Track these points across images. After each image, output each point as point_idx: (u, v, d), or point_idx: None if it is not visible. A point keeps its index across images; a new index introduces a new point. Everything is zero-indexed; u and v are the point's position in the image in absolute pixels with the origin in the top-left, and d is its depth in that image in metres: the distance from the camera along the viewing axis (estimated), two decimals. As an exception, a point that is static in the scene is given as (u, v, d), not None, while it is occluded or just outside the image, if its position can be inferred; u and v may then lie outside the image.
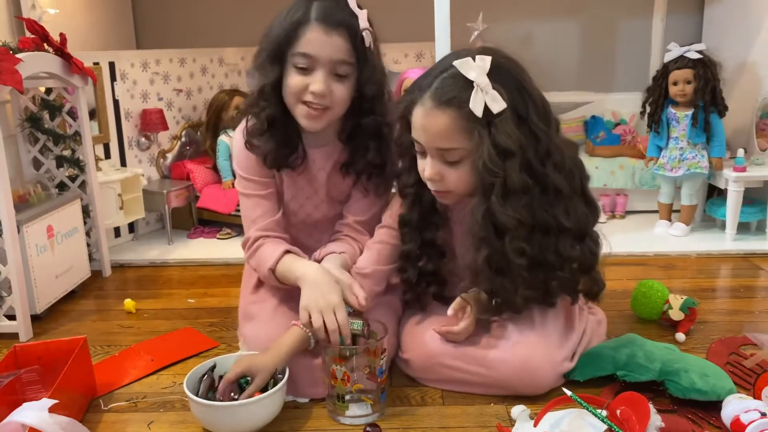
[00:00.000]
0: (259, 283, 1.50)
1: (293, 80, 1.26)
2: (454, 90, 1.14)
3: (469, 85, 1.12)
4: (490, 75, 1.12)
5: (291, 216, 1.48)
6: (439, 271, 1.38)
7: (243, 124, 1.39)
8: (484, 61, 1.13)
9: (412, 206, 1.34)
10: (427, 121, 1.16)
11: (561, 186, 1.19)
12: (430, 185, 1.24)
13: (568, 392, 1.15)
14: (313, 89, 1.24)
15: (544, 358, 1.27)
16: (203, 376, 1.26)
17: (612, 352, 1.35)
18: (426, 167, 1.21)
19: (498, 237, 1.18)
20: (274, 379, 1.25)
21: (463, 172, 1.19)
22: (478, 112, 1.12)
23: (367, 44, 1.25)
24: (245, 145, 1.38)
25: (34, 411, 1.07)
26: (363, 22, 1.24)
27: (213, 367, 1.29)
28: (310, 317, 1.24)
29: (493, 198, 1.16)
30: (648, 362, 1.30)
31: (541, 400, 1.28)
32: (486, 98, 1.12)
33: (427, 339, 1.36)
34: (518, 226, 1.16)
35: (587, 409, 1.08)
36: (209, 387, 1.25)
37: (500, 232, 1.18)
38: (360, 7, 1.28)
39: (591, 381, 1.33)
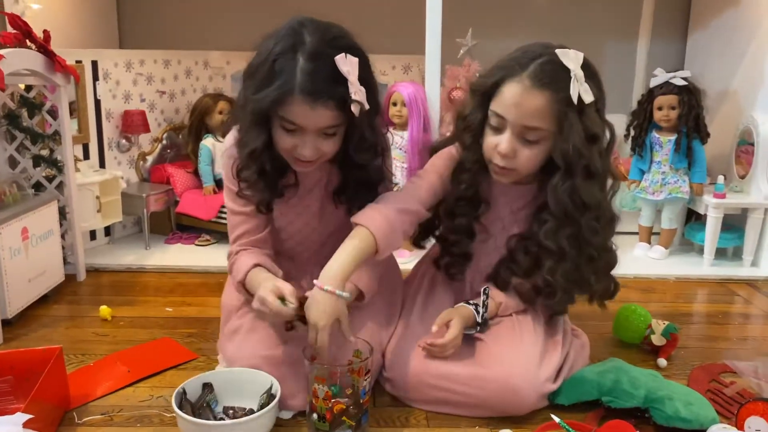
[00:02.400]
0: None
1: (282, 140, 1.23)
2: (553, 75, 1.21)
3: (565, 73, 1.20)
4: (582, 68, 1.22)
5: (283, 233, 1.45)
6: (468, 248, 1.46)
7: (233, 135, 1.36)
8: (578, 56, 1.23)
9: (470, 184, 1.38)
10: (523, 98, 1.22)
11: (615, 175, 1.34)
12: (498, 160, 1.29)
13: (557, 419, 1.15)
14: (302, 153, 1.22)
15: (525, 377, 1.28)
16: (201, 402, 1.24)
17: (597, 377, 1.35)
18: (502, 142, 1.26)
19: (577, 217, 1.28)
20: (268, 395, 1.24)
21: (537, 153, 1.27)
22: (575, 98, 1.20)
23: (358, 112, 1.19)
24: (237, 194, 1.36)
25: (9, 426, 1.03)
26: (352, 87, 1.16)
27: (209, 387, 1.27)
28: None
29: (577, 179, 1.25)
30: (633, 389, 1.30)
31: (528, 424, 1.27)
32: (581, 88, 1.20)
33: (410, 357, 1.35)
34: (597, 206, 1.27)
35: (574, 435, 1.07)
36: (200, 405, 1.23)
37: (581, 211, 1.27)
38: (353, 49, 1.18)
39: (575, 406, 1.33)
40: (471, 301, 1.42)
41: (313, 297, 1.19)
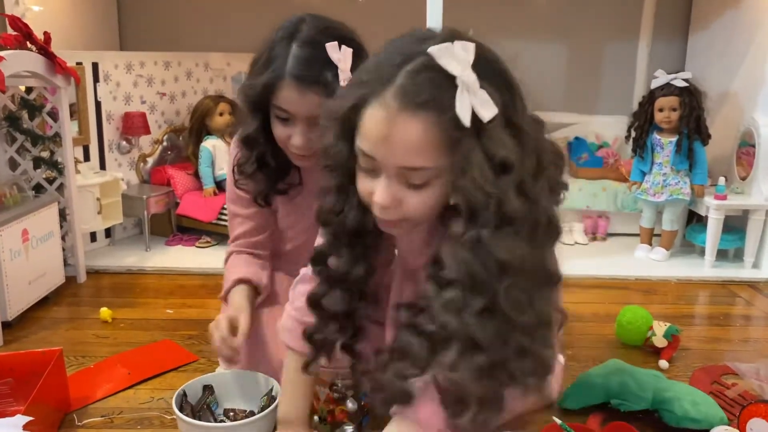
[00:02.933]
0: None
1: (276, 129, 1.23)
2: (430, 88, 0.81)
3: (449, 81, 0.80)
4: (475, 69, 0.80)
5: (288, 233, 1.45)
6: (355, 316, 1.08)
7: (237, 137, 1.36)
8: (468, 50, 0.80)
9: (336, 239, 1.02)
10: (390, 130, 0.82)
11: (556, 217, 0.89)
12: (378, 212, 0.91)
13: (558, 420, 1.15)
14: (293, 143, 1.22)
15: None
16: (202, 405, 1.24)
17: (602, 380, 1.35)
18: (377, 191, 0.87)
19: (487, 286, 0.84)
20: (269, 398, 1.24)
21: (429, 197, 0.87)
22: (466, 119, 0.80)
23: None
24: (235, 183, 1.36)
25: (8, 429, 1.03)
26: (342, 74, 1.14)
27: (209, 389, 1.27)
28: None
29: (484, 229, 0.83)
30: (640, 391, 1.31)
31: (530, 429, 1.27)
32: (474, 101, 0.80)
33: None
34: (520, 266, 0.83)
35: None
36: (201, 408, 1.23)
37: (493, 275, 0.84)
38: (348, 40, 1.16)
39: (580, 409, 1.33)
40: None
41: None
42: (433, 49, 0.80)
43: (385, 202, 0.87)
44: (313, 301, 1.05)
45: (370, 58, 0.93)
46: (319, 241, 1.08)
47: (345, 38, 1.18)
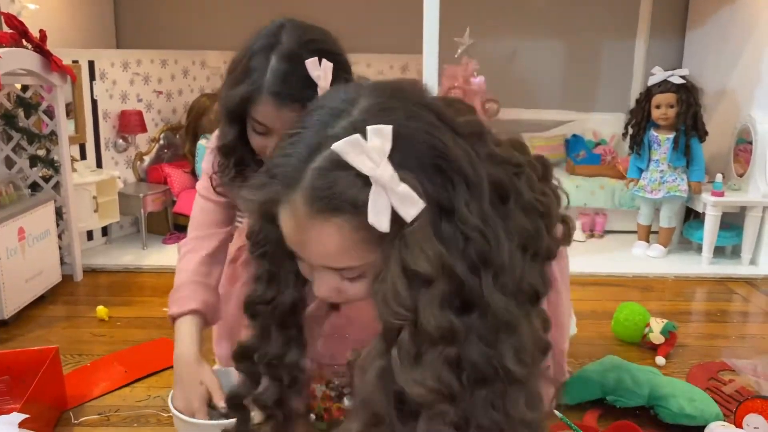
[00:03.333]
0: (231, 293, 1.48)
1: (253, 139, 1.21)
2: (340, 188, 0.68)
3: (364, 178, 0.67)
4: (394, 158, 0.67)
5: None
6: (286, 403, 0.96)
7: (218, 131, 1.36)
8: (383, 137, 0.67)
9: (264, 329, 0.92)
10: (304, 237, 0.72)
11: (506, 309, 0.72)
12: (325, 300, 0.85)
13: (559, 414, 1.15)
14: (269, 154, 1.21)
15: None
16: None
17: (599, 376, 1.35)
18: (315, 286, 0.79)
19: (403, 417, 0.73)
20: None
21: (367, 285, 0.76)
22: (384, 225, 0.67)
23: None
24: (213, 190, 1.32)
25: (4, 426, 1.03)
26: (321, 92, 1.12)
27: None
28: None
29: (394, 353, 0.71)
30: (636, 387, 1.31)
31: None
32: (393, 200, 0.67)
33: None
34: (435, 400, 0.70)
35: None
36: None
37: (408, 408, 0.72)
38: (329, 53, 1.13)
39: (575, 404, 1.33)
40: None
41: None
42: (337, 146, 0.66)
43: (325, 296, 0.79)
44: (236, 401, 0.98)
45: (285, 139, 0.75)
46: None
47: (326, 51, 1.15)
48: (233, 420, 1.16)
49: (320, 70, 1.12)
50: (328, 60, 1.12)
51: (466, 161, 0.72)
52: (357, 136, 0.66)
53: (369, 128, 0.66)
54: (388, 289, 0.69)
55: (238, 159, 1.25)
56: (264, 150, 1.21)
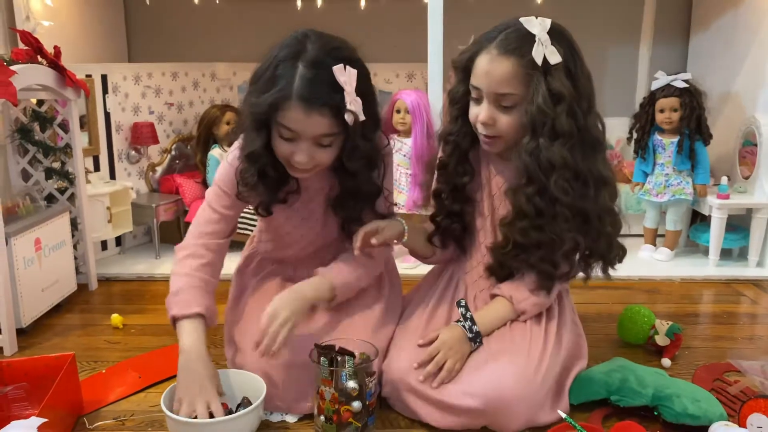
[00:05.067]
0: (240, 301, 1.52)
1: (279, 147, 1.26)
2: (518, 41, 1.25)
3: (531, 39, 1.24)
4: (549, 33, 1.25)
5: (287, 238, 1.48)
6: (464, 215, 1.49)
7: (238, 143, 1.39)
8: (545, 21, 1.27)
9: (452, 152, 1.44)
10: (491, 67, 1.26)
11: (600, 138, 1.30)
12: (481, 129, 1.33)
13: (563, 414, 1.16)
14: (297, 159, 1.24)
15: (518, 391, 1.23)
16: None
17: (604, 376, 1.37)
18: (481, 111, 1.30)
19: (545, 175, 1.26)
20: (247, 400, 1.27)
21: (515, 118, 1.28)
22: (539, 60, 1.23)
23: (352, 121, 1.21)
24: (237, 196, 1.38)
25: (24, 430, 1.06)
26: (348, 96, 1.19)
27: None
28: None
29: (541, 138, 1.25)
30: (640, 387, 1.32)
31: (539, 430, 1.28)
32: (545, 51, 1.23)
33: (397, 356, 1.36)
34: (564, 165, 1.24)
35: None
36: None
37: (546, 172, 1.26)
38: (352, 61, 1.21)
39: (581, 404, 1.35)
40: (458, 319, 1.38)
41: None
42: (522, 19, 1.27)
43: (485, 119, 1.30)
44: (436, 194, 1.50)
45: (484, 33, 1.32)
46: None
47: (349, 59, 1.21)
48: (222, 418, 1.19)
49: (346, 76, 1.18)
50: (352, 67, 1.19)
51: (582, 59, 1.31)
52: (532, 17, 1.27)
53: (538, 18, 1.27)
54: (539, 100, 1.23)
55: (262, 167, 1.30)
56: (290, 156, 1.25)
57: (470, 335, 1.35)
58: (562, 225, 1.28)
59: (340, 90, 1.18)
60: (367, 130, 1.27)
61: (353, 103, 1.19)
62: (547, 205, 1.27)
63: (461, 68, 1.35)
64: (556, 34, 1.26)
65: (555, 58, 1.24)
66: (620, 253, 1.40)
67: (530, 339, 1.34)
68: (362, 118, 1.22)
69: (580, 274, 1.41)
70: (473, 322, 1.36)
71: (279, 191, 1.36)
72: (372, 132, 1.29)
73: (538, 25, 1.26)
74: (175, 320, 1.34)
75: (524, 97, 1.26)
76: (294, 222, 1.44)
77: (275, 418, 1.33)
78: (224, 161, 1.41)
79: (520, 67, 1.24)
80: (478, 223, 1.49)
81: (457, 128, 1.41)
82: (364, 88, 1.23)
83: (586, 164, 1.27)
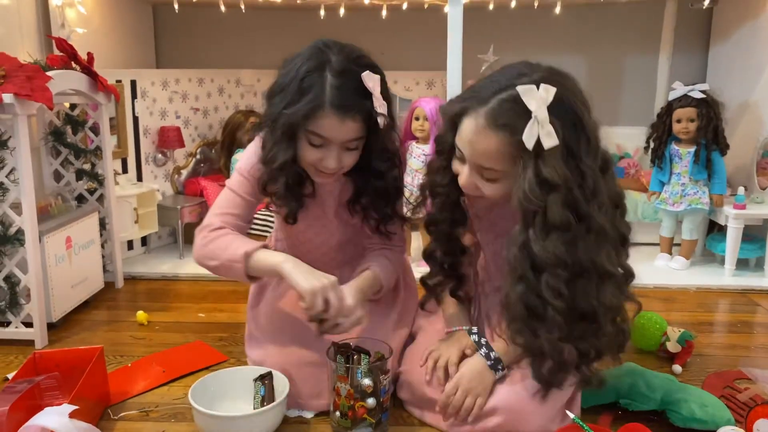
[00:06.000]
0: (260, 299, 1.57)
1: (308, 153, 1.29)
2: (511, 115, 1.09)
3: (526, 113, 1.07)
4: (550, 108, 1.06)
5: (300, 237, 1.52)
6: (458, 267, 1.42)
7: (256, 143, 1.41)
8: (548, 93, 1.07)
9: (443, 206, 1.34)
10: (475, 138, 1.13)
11: (606, 228, 1.12)
12: (464, 190, 1.25)
13: (571, 415, 1.18)
14: (327, 165, 1.29)
15: (536, 402, 1.24)
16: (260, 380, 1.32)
17: (613, 380, 1.38)
18: (462, 175, 1.21)
19: (535, 274, 1.13)
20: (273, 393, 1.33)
21: (498, 188, 1.18)
22: (530, 144, 1.07)
23: (383, 124, 1.27)
24: (268, 208, 1.45)
25: (56, 415, 1.12)
26: (377, 101, 1.25)
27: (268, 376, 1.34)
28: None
29: (531, 231, 1.12)
30: (649, 391, 1.35)
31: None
32: (541, 132, 1.06)
33: (413, 369, 1.39)
34: (557, 264, 1.10)
35: (593, 438, 1.11)
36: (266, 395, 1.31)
37: (538, 268, 1.13)
38: (374, 67, 1.27)
39: (589, 408, 1.37)
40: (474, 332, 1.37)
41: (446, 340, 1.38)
42: (520, 88, 1.07)
43: (465, 185, 1.21)
44: (429, 255, 1.42)
45: (481, 79, 1.18)
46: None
47: (372, 66, 1.27)
48: (246, 413, 1.24)
49: (373, 81, 1.25)
50: (375, 73, 1.26)
51: (591, 130, 1.12)
52: (533, 86, 1.07)
53: (542, 85, 1.06)
54: (526, 187, 1.08)
55: (288, 176, 1.34)
56: (318, 162, 1.30)
57: (490, 363, 1.28)
58: (555, 334, 1.14)
59: (368, 95, 1.25)
60: (390, 131, 1.33)
61: (382, 107, 1.26)
62: (540, 307, 1.14)
63: (448, 119, 1.22)
64: (561, 109, 1.07)
65: (550, 141, 1.06)
66: (623, 342, 1.25)
67: None
68: (388, 119, 1.29)
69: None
70: (489, 348, 1.30)
71: (301, 197, 1.41)
72: (394, 133, 1.36)
73: (537, 100, 1.06)
74: (247, 257, 1.32)
75: (509, 174, 1.13)
76: (307, 221, 1.48)
77: (292, 413, 1.38)
78: (246, 152, 1.44)
79: (509, 145, 1.10)
80: (488, 255, 1.44)
81: (447, 180, 1.29)
82: (385, 91, 1.29)
83: (588, 258, 1.11)
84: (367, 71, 1.24)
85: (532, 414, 1.23)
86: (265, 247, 1.38)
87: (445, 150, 1.26)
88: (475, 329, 1.37)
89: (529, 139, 1.07)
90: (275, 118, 1.27)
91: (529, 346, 1.20)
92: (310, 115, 1.23)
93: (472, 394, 1.26)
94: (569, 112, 1.09)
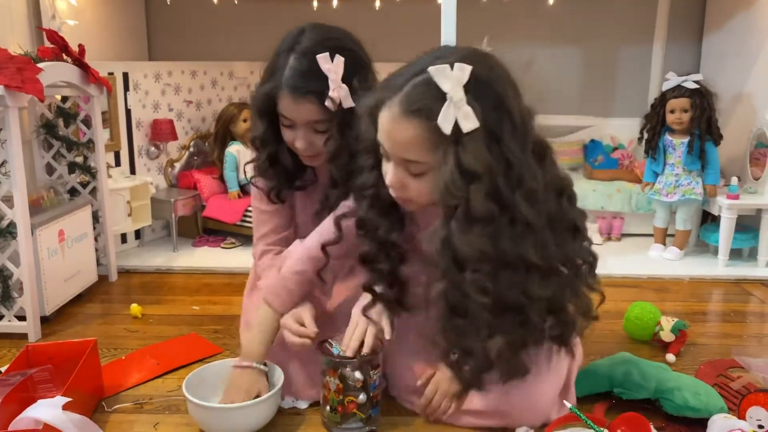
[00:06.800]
0: (256, 287, 1.56)
1: (285, 134, 1.34)
2: (424, 99, 1.00)
3: (441, 96, 0.98)
4: (467, 88, 0.98)
5: (307, 225, 1.50)
6: (397, 273, 1.26)
7: None
8: (463, 72, 0.98)
9: (370, 207, 1.21)
10: (392, 128, 1.04)
11: (531, 218, 1.05)
12: (391, 191, 1.13)
13: (568, 404, 1.18)
14: (297, 146, 1.32)
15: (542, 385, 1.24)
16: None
17: (608, 369, 1.39)
18: (388, 173, 1.10)
19: (458, 270, 1.07)
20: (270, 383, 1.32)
21: (426, 185, 1.07)
22: (447, 128, 0.98)
23: (333, 108, 1.25)
24: (250, 182, 1.47)
25: (49, 408, 1.11)
26: (332, 84, 1.23)
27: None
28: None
29: (453, 224, 1.04)
30: (643, 380, 1.35)
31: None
32: (457, 114, 0.98)
33: (403, 372, 1.36)
34: (480, 259, 1.04)
35: (591, 426, 1.11)
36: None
37: (461, 264, 1.06)
38: (345, 50, 1.25)
39: (584, 397, 1.37)
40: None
41: (232, 377, 1.30)
42: (431, 69, 0.99)
43: (391, 183, 1.10)
44: (365, 260, 1.26)
45: (399, 68, 1.10)
46: (348, 208, 1.28)
47: (342, 48, 1.26)
48: (240, 404, 1.24)
49: (330, 65, 1.24)
50: (343, 56, 1.24)
51: (517, 113, 1.02)
52: (446, 66, 0.98)
53: (456, 64, 0.97)
54: (447, 178, 0.99)
55: (271, 153, 1.38)
56: (293, 142, 1.33)
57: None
58: (483, 331, 1.11)
59: (325, 77, 1.24)
60: (351, 118, 1.24)
61: (336, 90, 1.24)
62: (463, 303, 1.09)
63: (367, 115, 1.11)
64: (478, 87, 0.99)
65: (469, 124, 0.98)
66: (565, 335, 1.20)
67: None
68: (348, 104, 1.25)
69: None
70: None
71: (296, 179, 1.43)
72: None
73: (451, 79, 0.97)
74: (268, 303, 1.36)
75: (435, 165, 1.04)
76: (311, 211, 1.49)
77: (286, 404, 1.38)
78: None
79: (426, 131, 1.01)
80: (417, 267, 1.29)
81: (372, 180, 1.18)
82: (353, 77, 1.25)
83: (514, 251, 1.05)
84: (326, 53, 1.23)
85: (539, 395, 1.23)
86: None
87: (369, 148, 1.15)
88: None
89: (444, 123, 0.98)
90: (251, 98, 1.36)
91: (452, 345, 1.15)
92: (271, 96, 1.27)
93: (450, 398, 1.27)
94: (490, 93, 1.00)
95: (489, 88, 1.01)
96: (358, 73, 1.27)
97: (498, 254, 1.05)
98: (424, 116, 1.00)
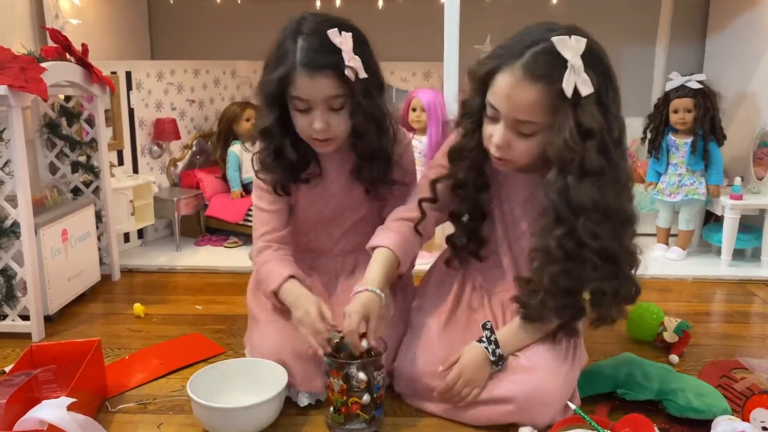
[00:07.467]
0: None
1: (298, 121, 1.34)
2: (547, 66, 1.12)
3: (562, 63, 1.11)
4: (583, 57, 1.11)
5: (308, 223, 1.54)
6: (479, 230, 1.43)
7: None
8: (580, 43, 1.12)
9: (468, 169, 1.34)
10: (513, 91, 1.15)
11: (629, 175, 1.22)
12: (494, 151, 1.23)
13: (572, 405, 1.19)
14: (314, 127, 1.32)
15: (553, 382, 1.27)
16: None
17: (611, 370, 1.40)
18: (495, 133, 1.21)
19: (575, 217, 1.17)
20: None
21: (532, 145, 1.20)
22: (569, 92, 1.11)
23: (353, 77, 1.28)
24: (255, 174, 1.47)
25: (53, 408, 1.12)
26: (347, 55, 1.27)
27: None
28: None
29: (569, 177, 1.15)
30: (646, 381, 1.35)
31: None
32: (577, 80, 1.10)
33: (412, 361, 1.37)
34: (594, 208, 1.15)
35: (595, 427, 1.11)
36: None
37: (576, 212, 1.17)
38: (347, 27, 1.30)
39: (587, 397, 1.37)
40: (481, 339, 1.34)
41: (355, 296, 1.29)
42: (555, 39, 1.12)
43: (499, 142, 1.21)
44: (454, 216, 1.43)
45: (504, 40, 1.22)
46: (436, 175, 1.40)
47: (344, 26, 1.30)
48: (248, 403, 1.24)
49: (341, 38, 1.28)
50: (347, 32, 1.28)
51: (617, 84, 1.18)
52: (567, 36, 1.12)
53: (573, 36, 1.12)
54: (566, 135, 1.12)
55: (278, 145, 1.38)
56: (308, 128, 1.33)
57: (493, 358, 1.30)
58: (590, 273, 1.20)
59: (338, 51, 1.27)
60: (370, 87, 1.33)
61: (352, 60, 1.27)
62: (576, 249, 1.18)
63: (479, 80, 1.22)
64: (592, 59, 1.12)
65: (587, 88, 1.11)
66: (636, 293, 1.30)
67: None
68: (363, 75, 1.29)
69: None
70: (497, 345, 1.31)
71: (300, 172, 1.44)
72: (376, 91, 1.36)
73: (572, 49, 1.11)
74: (275, 295, 1.40)
75: (547, 126, 1.16)
76: (317, 206, 1.50)
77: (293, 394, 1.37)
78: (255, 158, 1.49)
79: (547, 95, 1.13)
80: (499, 231, 1.43)
81: (474, 143, 1.30)
82: (362, 52, 1.31)
83: (616, 203, 1.17)
84: (335, 29, 1.27)
85: (551, 392, 1.26)
86: (292, 276, 1.40)
87: (473, 113, 1.27)
88: (489, 323, 1.35)
89: (567, 87, 1.10)
90: (259, 89, 1.35)
91: (558, 289, 1.23)
92: (285, 79, 1.28)
93: (471, 385, 1.28)
94: (599, 63, 1.14)
95: (599, 58, 1.15)
96: (363, 49, 1.32)
97: (605, 205, 1.16)
98: (546, 81, 1.12)
